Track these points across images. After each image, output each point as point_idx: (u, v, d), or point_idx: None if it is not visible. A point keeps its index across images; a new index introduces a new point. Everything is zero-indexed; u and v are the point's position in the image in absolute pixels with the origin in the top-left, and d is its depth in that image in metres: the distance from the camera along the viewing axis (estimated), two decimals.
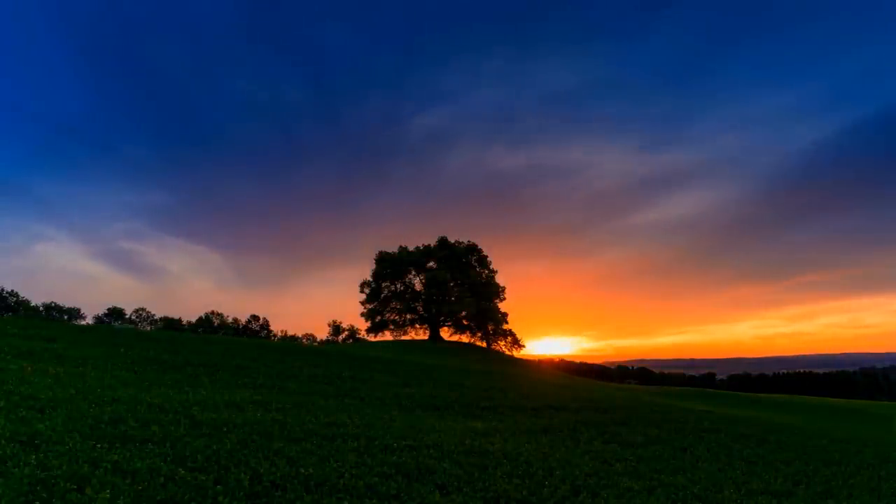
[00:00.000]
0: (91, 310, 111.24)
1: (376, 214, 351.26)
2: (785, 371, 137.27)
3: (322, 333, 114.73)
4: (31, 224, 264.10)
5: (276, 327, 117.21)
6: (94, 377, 11.98)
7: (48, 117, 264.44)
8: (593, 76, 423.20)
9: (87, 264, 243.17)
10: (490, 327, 73.68)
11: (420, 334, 74.60)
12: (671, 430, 15.94)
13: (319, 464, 7.59)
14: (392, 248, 75.72)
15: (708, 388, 79.50)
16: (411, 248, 75.61)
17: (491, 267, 75.85)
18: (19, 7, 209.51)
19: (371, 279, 75.01)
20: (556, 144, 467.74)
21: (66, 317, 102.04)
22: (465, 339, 73.89)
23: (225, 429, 8.73)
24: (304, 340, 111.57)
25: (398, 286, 75.68)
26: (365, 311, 74.92)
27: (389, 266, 74.01)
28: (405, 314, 75.62)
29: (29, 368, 11.77)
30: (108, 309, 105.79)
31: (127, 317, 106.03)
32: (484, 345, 73.23)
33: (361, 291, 75.51)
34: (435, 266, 73.77)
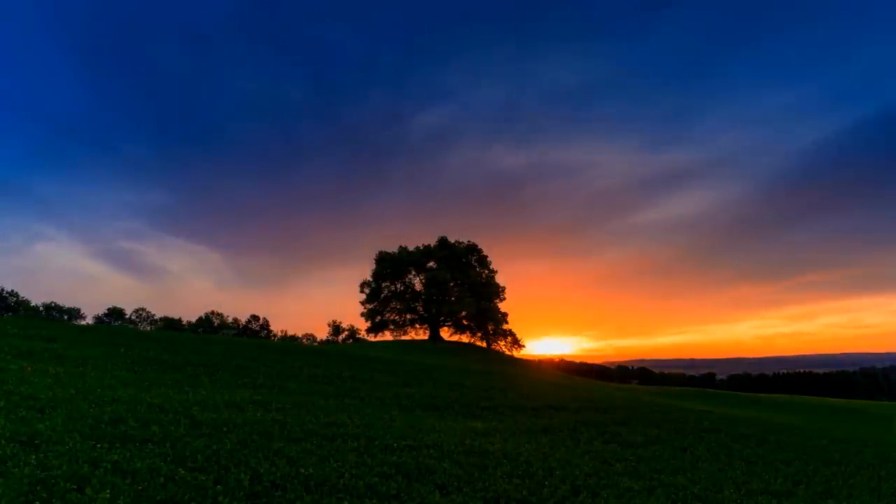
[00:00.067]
0: (91, 310, 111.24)
1: (376, 214, 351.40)
2: (785, 371, 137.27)
3: (322, 333, 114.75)
4: (30, 224, 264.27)
5: (276, 327, 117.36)
6: (94, 377, 11.98)
7: (48, 117, 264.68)
8: (594, 76, 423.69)
9: (87, 264, 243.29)
10: (490, 327, 73.68)
11: (420, 334, 74.61)
12: (671, 430, 15.94)
13: (319, 464, 7.59)
14: (392, 248, 75.81)
15: (708, 388, 79.52)
16: (411, 248, 75.66)
17: (491, 267, 75.91)
18: (19, 7, 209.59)
19: (371, 279, 75.02)
20: (556, 144, 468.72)
21: (66, 317, 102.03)
22: (465, 339, 73.93)
23: (225, 429, 8.73)
24: (304, 340, 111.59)
25: (398, 286, 75.69)
26: (365, 311, 74.95)
27: (389, 266, 74.01)
28: (405, 314, 75.61)
29: (29, 368, 11.77)
30: (108, 309, 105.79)
31: (127, 317, 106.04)
32: (484, 345, 73.22)
33: (361, 291, 75.59)
34: (435, 266, 73.76)
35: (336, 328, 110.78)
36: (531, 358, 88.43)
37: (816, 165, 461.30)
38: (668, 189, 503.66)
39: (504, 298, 75.02)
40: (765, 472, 11.53)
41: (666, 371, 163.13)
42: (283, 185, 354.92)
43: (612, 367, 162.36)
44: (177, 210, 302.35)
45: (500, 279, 76.19)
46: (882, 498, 10.61)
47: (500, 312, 73.84)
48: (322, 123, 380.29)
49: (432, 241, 76.02)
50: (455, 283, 72.63)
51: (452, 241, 75.26)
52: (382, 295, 75.49)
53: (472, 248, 75.37)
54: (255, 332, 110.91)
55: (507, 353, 72.92)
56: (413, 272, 75.20)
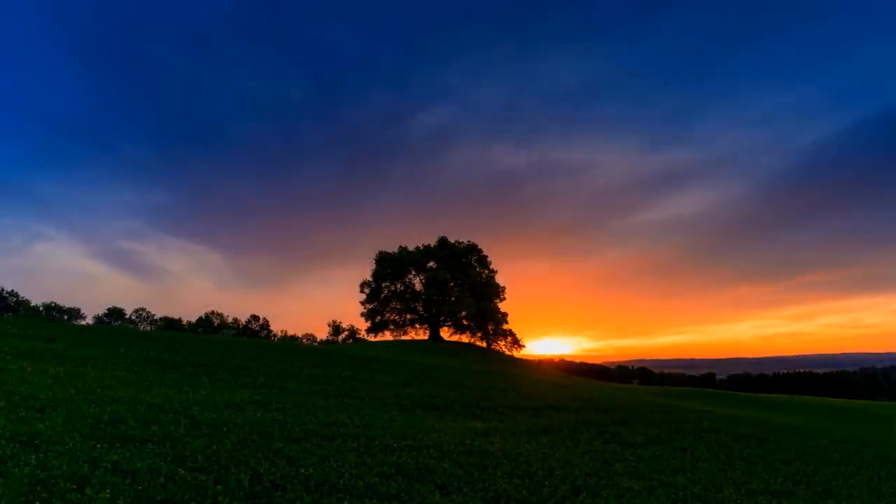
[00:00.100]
0: (91, 310, 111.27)
1: (376, 214, 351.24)
2: (785, 371, 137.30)
3: (322, 333, 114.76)
4: (30, 224, 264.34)
5: (276, 327, 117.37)
6: (94, 377, 11.98)
7: (48, 117, 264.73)
8: (594, 76, 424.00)
9: (87, 264, 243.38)
10: (490, 327, 73.68)
11: (420, 334, 74.61)
12: (671, 430, 15.94)
13: (319, 464, 7.59)
14: (392, 248, 75.81)
15: (708, 388, 79.52)
16: (411, 248, 75.66)
17: (491, 267, 75.93)
18: (19, 7, 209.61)
19: (371, 279, 75.01)
20: (557, 144, 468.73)
21: (66, 317, 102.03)
22: (465, 339, 73.92)
23: (225, 429, 8.73)
24: (304, 340, 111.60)
25: (398, 286, 75.69)
26: (365, 311, 74.94)
27: (389, 266, 74.01)
28: (405, 314, 75.61)
29: (29, 368, 11.77)
30: (108, 309, 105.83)
31: (127, 317, 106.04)
32: (484, 345, 73.22)
33: (361, 291, 75.58)
34: (435, 266, 73.76)
35: (336, 328, 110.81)
36: (531, 358, 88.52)
37: (816, 165, 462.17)
38: (668, 189, 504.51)
39: (504, 298, 75.11)
40: (765, 472, 11.53)
41: (666, 371, 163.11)
42: (283, 184, 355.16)
43: (612, 367, 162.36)
44: (177, 210, 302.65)
45: (500, 279, 76.25)
46: (882, 498, 10.61)
47: (500, 312, 73.87)
48: (322, 123, 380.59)
49: (432, 241, 76.09)
50: (455, 283, 72.63)
51: (452, 241, 75.28)
52: (382, 295, 75.49)
53: (472, 248, 75.38)
54: (255, 332, 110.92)
55: (507, 353, 72.91)
56: (413, 272, 75.20)
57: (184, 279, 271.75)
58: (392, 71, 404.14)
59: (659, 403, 25.37)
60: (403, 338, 74.11)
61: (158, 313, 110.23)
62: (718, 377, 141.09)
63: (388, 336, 75.12)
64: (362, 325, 78.39)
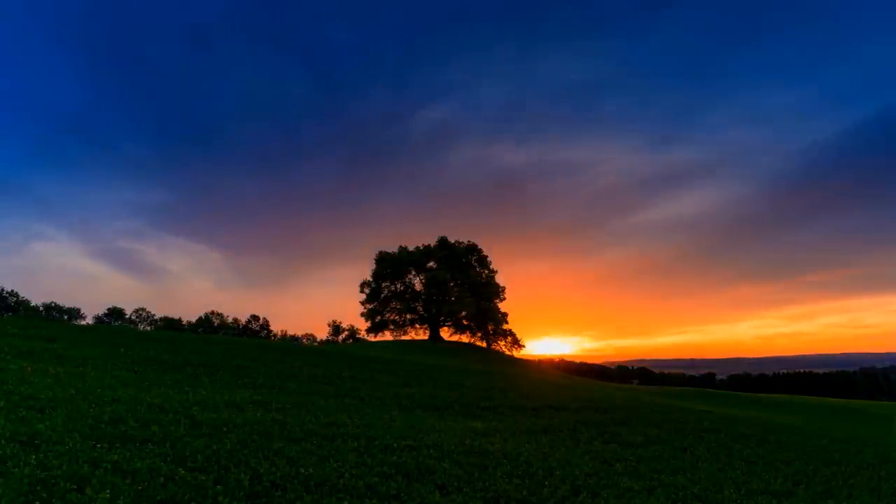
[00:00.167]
0: (91, 310, 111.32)
1: (377, 213, 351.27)
2: (785, 371, 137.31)
3: (322, 333, 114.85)
4: (30, 223, 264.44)
5: (276, 327, 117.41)
6: (94, 377, 11.98)
7: (48, 116, 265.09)
8: (594, 75, 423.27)
9: (86, 264, 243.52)
10: (490, 327, 73.71)
11: (420, 334, 74.63)
12: (671, 430, 15.94)
13: (319, 464, 7.59)
14: (392, 248, 75.84)
15: (708, 388, 79.54)
16: (411, 248, 75.68)
17: (491, 267, 75.97)
18: (18, 6, 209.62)
19: (371, 279, 75.03)
20: (558, 143, 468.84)
21: (66, 317, 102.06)
22: (465, 339, 73.96)
23: (225, 429, 8.73)
24: (304, 340, 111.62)
25: (398, 286, 75.70)
26: (365, 311, 74.96)
27: (389, 266, 74.02)
28: (405, 314, 75.63)
29: (29, 368, 11.77)
30: (108, 309, 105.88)
31: (127, 317, 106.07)
32: (484, 345, 73.24)
33: (361, 291, 75.61)
34: (435, 266, 73.77)
35: (336, 328, 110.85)
36: (531, 358, 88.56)
37: (817, 165, 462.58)
38: (668, 189, 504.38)
39: (504, 298, 75.14)
40: (765, 472, 11.53)
41: (666, 371, 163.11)
42: (283, 184, 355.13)
43: (612, 367, 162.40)
44: (177, 209, 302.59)
45: (501, 279, 76.41)
46: (882, 498, 10.61)
47: (500, 312, 73.90)
48: (323, 122, 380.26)
49: (432, 241, 76.13)
50: (455, 283, 72.65)
51: (452, 241, 75.29)
52: (382, 295, 75.51)
53: (472, 248, 75.39)
54: (255, 332, 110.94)
55: (507, 353, 72.94)
56: (413, 272, 75.22)
57: (184, 279, 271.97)
58: (393, 70, 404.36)
59: (659, 403, 25.37)
60: (403, 338, 74.15)
61: (158, 313, 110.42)
62: (718, 377, 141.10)
63: (388, 336, 75.22)
64: (362, 325, 78.54)
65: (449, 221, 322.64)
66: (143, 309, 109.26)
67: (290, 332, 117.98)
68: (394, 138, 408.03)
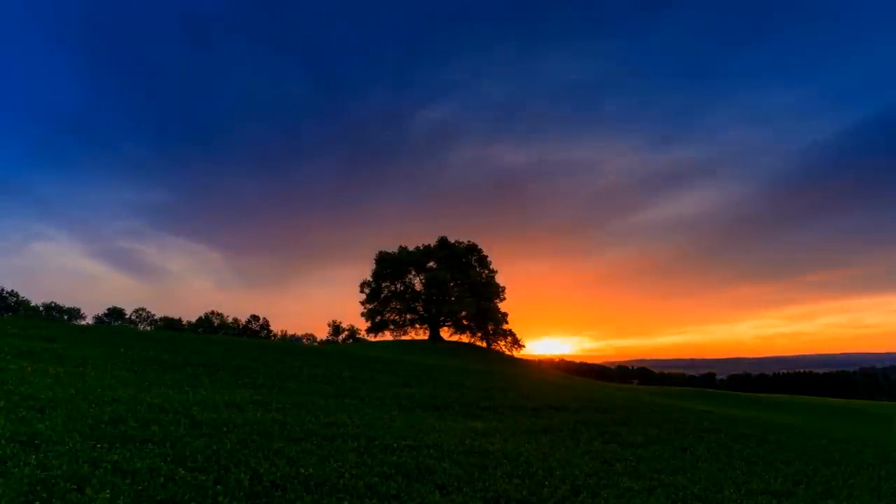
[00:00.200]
0: (91, 310, 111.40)
1: (377, 213, 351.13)
2: (785, 371, 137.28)
3: (322, 333, 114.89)
4: (30, 223, 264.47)
5: (276, 327, 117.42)
6: (94, 377, 11.98)
7: (47, 116, 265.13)
8: (594, 75, 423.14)
9: (86, 263, 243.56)
10: (490, 327, 73.72)
11: (420, 334, 74.64)
12: (671, 430, 15.94)
13: (319, 464, 7.59)
14: (392, 248, 75.87)
15: (708, 388, 79.54)
16: (411, 248, 75.70)
17: (491, 267, 75.99)
18: (18, 5, 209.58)
19: (371, 279, 75.04)
20: (558, 143, 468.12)
21: (66, 317, 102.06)
22: (465, 339, 73.98)
23: (225, 429, 8.73)
24: (304, 340, 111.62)
25: (398, 286, 75.71)
26: (365, 311, 74.98)
27: (389, 266, 74.03)
28: (405, 314, 75.64)
29: (29, 368, 11.77)
30: (108, 309, 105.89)
31: (127, 317, 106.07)
32: (484, 345, 73.25)
33: (361, 291, 75.62)
34: (435, 266, 73.78)
35: (336, 328, 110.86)
36: (531, 358, 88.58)
37: (817, 166, 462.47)
38: (668, 189, 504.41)
39: (504, 298, 75.15)
40: (765, 472, 11.53)
41: (666, 371, 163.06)
42: (283, 184, 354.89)
43: (612, 367, 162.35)
44: (177, 209, 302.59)
45: (501, 279, 76.46)
46: (882, 498, 10.61)
47: (500, 312, 73.91)
48: (323, 120, 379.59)
49: (432, 241, 76.15)
50: (455, 283, 72.65)
51: (452, 241, 75.31)
52: (382, 295, 75.51)
53: (472, 248, 75.40)
54: (255, 332, 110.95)
55: (507, 353, 72.95)
56: (413, 272, 75.22)
57: (184, 279, 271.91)
58: (393, 69, 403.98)
59: (659, 403, 25.37)
60: (403, 338, 74.16)
61: (158, 313, 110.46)
62: (718, 377, 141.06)
63: (388, 336, 75.24)
64: (362, 325, 78.57)
65: (449, 221, 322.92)
66: (143, 309, 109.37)
67: (290, 332, 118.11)
68: (394, 138, 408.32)
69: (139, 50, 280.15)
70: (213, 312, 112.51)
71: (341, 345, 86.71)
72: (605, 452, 11.46)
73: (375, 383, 18.13)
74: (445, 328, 74.84)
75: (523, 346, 75.46)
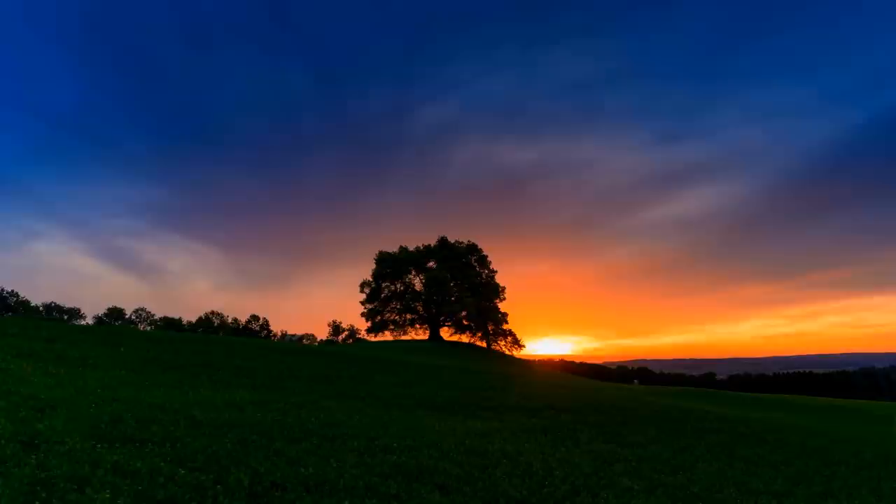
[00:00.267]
0: (91, 310, 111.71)
1: (378, 212, 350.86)
2: (785, 371, 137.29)
3: (322, 333, 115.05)
4: (29, 222, 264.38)
5: (276, 327, 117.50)
6: (94, 377, 11.99)
7: (47, 113, 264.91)
8: (595, 74, 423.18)
9: (86, 262, 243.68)
10: (490, 327, 73.75)
11: (420, 334, 74.69)
12: (671, 430, 15.94)
13: (319, 464, 7.59)
14: (392, 248, 75.92)
15: (708, 388, 79.53)
16: (411, 248, 75.75)
17: (491, 267, 76.03)
18: (18, 4, 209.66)
19: (371, 279, 75.08)
20: (560, 142, 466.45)
21: (66, 317, 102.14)
22: (465, 339, 74.04)
23: (225, 429, 8.74)
24: (305, 340, 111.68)
25: (398, 286, 75.76)
26: (365, 311, 75.04)
27: (389, 266, 74.07)
28: (405, 314, 75.72)
29: (29, 368, 11.78)
30: (108, 309, 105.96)
31: (127, 317, 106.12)
32: (484, 345, 73.27)
33: (361, 291, 75.69)
34: (435, 266, 73.81)
35: (336, 328, 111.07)
36: (531, 358, 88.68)
37: (818, 165, 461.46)
38: (669, 188, 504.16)
39: (504, 298, 75.23)
40: (765, 472, 11.54)
41: (666, 371, 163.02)
42: (284, 182, 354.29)
43: (612, 367, 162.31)
44: (177, 208, 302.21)
45: (502, 278, 76.69)
46: (882, 498, 10.61)
47: (500, 312, 73.96)
48: (325, 117, 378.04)
49: (432, 241, 76.23)
50: (455, 283, 72.68)
51: (452, 241, 75.38)
52: (382, 295, 75.57)
53: (472, 248, 75.45)
54: (255, 332, 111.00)
55: (507, 353, 72.98)
56: (413, 272, 75.26)
57: (184, 278, 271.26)
58: (395, 67, 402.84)
59: (659, 403, 25.38)
60: (403, 338, 74.20)
61: (158, 313, 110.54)
62: (718, 377, 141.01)
63: (388, 336, 75.31)
64: (362, 325, 78.63)
65: (451, 220, 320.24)
66: (143, 309, 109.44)
67: (290, 332, 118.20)
68: (395, 137, 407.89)
69: (139, 48, 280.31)
70: (213, 312, 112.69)
71: (341, 345, 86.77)
72: (605, 452, 11.46)
73: (375, 383, 18.14)
74: (445, 328, 74.94)
75: (523, 346, 75.60)
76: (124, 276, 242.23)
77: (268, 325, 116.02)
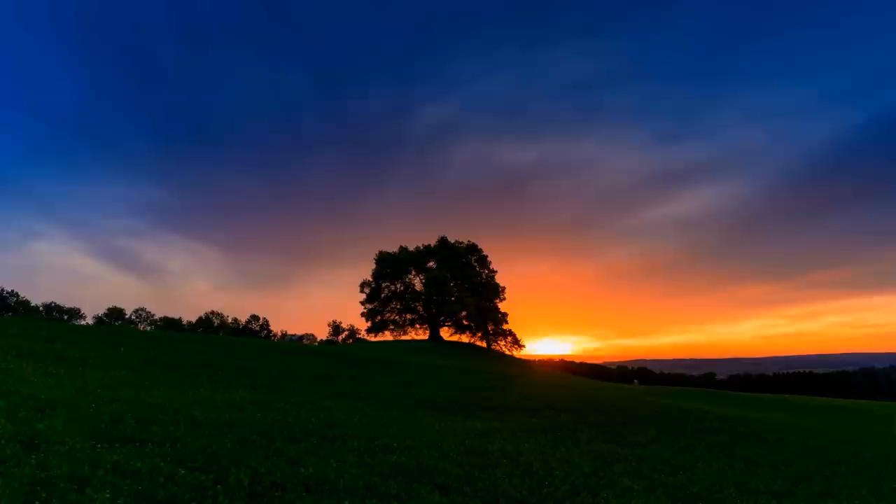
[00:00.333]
0: (91, 310, 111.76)
1: (378, 212, 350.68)
2: (785, 371, 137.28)
3: (322, 333, 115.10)
4: (29, 222, 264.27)
5: (276, 327, 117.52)
6: (94, 377, 11.99)
7: (47, 113, 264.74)
8: (596, 74, 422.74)
9: (86, 262, 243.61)
10: (490, 327, 73.75)
11: (420, 334, 74.69)
12: (671, 430, 15.94)
13: (319, 464, 7.59)
14: (392, 248, 75.93)
15: (708, 389, 79.54)
16: (411, 248, 75.75)
17: (491, 267, 76.03)
18: (17, 3, 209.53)
19: (371, 279, 75.09)
20: (560, 142, 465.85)
21: (66, 317, 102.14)
22: (465, 339, 74.05)
23: (225, 429, 8.74)
24: (304, 340, 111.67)
25: (398, 286, 75.77)
26: (365, 311, 75.04)
27: (389, 266, 74.08)
28: (405, 314, 75.73)
29: (29, 368, 11.78)
30: (108, 309, 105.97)
31: (127, 317, 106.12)
32: (484, 345, 73.28)
33: (361, 291, 75.69)
34: (435, 266, 73.81)
35: (336, 328, 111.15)
36: (531, 358, 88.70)
37: (818, 165, 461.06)
38: (669, 188, 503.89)
39: (504, 298, 75.24)
40: (765, 472, 11.54)
41: (666, 371, 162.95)
42: (283, 182, 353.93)
43: (612, 367, 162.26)
44: (177, 208, 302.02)
45: (503, 278, 76.75)
46: (882, 498, 10.61)
47: (500, 312, 73.97)
48: (325, 117, 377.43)
49: (432, 241, 76.23)
50: (455, 283, 72.68)
51: (452, 241, 75.38)
52: (382, 295, 75.58)
53: (472, 248, 75.45)
54: (255, 332, 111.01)
55: (507, 353, 72.99)
56: (413, 272, 75.27)
57: (184, 278, 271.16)
58: (395, 67, 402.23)
59: (659, 403, 25.38)
60: (403, 338, 74.21)
61: (158, 313, 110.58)
62: (718, 377, 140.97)
63: (388, 336, 75.32)
64: (362, 325, 78.67)
65: (451, 220, 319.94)
66: (143, 309, 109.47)
67: (290, 332, 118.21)
68: (395, 137, 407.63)
69: (139, 48, 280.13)
70: (213, 312, 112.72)
71: (341, 345, 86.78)
72: (605, 452, 11.46)
73: (375, 383, 18.15)
74: (445, 328, 74.94)
75: (523, 346, 75.62)
76: (124, 276, 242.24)
77: (268, 325, 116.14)
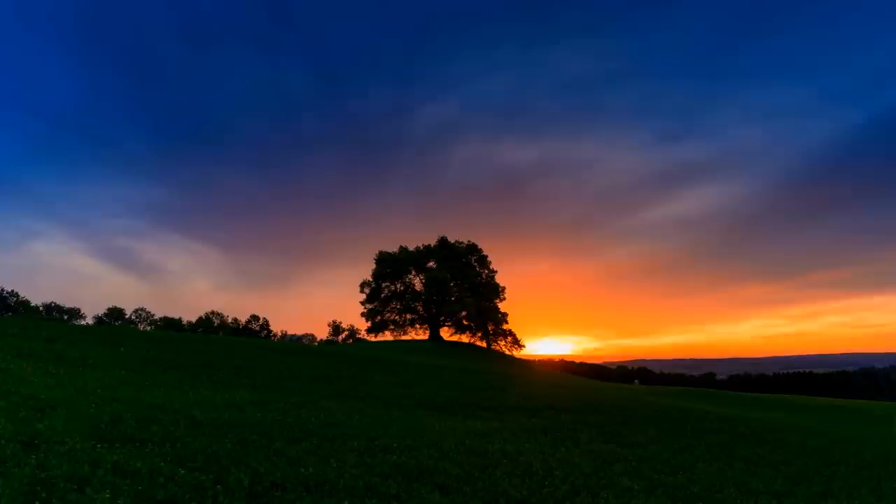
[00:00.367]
0: (91, 310, 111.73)
1: (378, 212, 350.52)
2: (785, 371, 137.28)
3: (322, 333, 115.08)
4: (29, 222, 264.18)
5: (276, 327, 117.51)
6: (94, 377, 11.99)
7: (46, 113, 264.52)
8: (596, 73, 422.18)
9: (85, 262, 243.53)
10: (490, 327, 73.75)
11: (420, 334, 74.69)
12: (671, 430, 15.94)
13: (319, 464, 7.59)
14: (392, 247, 75.93)
15: (708, 389, 79.54)
16: (411, 248, 75.75)
17: (491, 267, 76.03)
18: (16, 2, 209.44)
19: (371, 279, 75.09)
20: (561, 141, 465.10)
21: (66, 317, 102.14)
22: (465, 339, 74.04)
23: (225, 429, 8.74)
24: (304, 340, 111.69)
25: (398, 286, 75.76)
26: (365, 311, 75.04)
27: (389, 266, 74.08)
28: (405, 314, 75.73)
29: (29, 368, 11.78)
30: (108, 309, 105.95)
31: (127, 317, 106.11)
32: (484, 345, 73.27)
33: (361, 291, 75.69)
34: (435, 266, 73.82)
35: (336, 328, 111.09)
36: (531, 358, 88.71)
37: (818, 165, 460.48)
38: (670, 188, 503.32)
39: (504, 298, 75.23)
40: (765, 472, 11.54)
41: (666, 371, 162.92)
42: (283, 182, 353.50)
43: (612, 367, 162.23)
44: (177, 208, 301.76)
45: (503, 278, 76.78)
46: (882, 498, 10.61)
47: (500, 312, 73.95)
48: (325, 117, 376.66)
49: (432, 241, 76.23)
50: (455, 283, 72.69)
51: (452, 241, 75.38)
52: (382, 295, 75.58)
53: (472, 248, 75.45)
54: (255, 332, 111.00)
55: (507, 353, 72.98)
56: (413, 272, 75.27)
57: (184, 278, 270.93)
58: (395, 66, 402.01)
59: (659, 403, 25.38)
60: (403, 338, 74.21)
61: (158, 313, 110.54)
62: (718, 377, 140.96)
63: (388, 336, 75.32)
64: (362, 325, 78.66)
65: (452, 220, 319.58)
66: (143, 309, 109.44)
67: (290, 332, 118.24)
68: (395, 136, 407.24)
69: (139, 47, 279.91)
70: (213, 312, 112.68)
71: (341, 345, 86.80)
72: (605, 452, 11.46)
73: (375, 383, 18.15)
74: (445, 328, 74.94)
75: (523, 346, 75.61)
76: (124, 276, 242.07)
77: (268, 325, 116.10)
